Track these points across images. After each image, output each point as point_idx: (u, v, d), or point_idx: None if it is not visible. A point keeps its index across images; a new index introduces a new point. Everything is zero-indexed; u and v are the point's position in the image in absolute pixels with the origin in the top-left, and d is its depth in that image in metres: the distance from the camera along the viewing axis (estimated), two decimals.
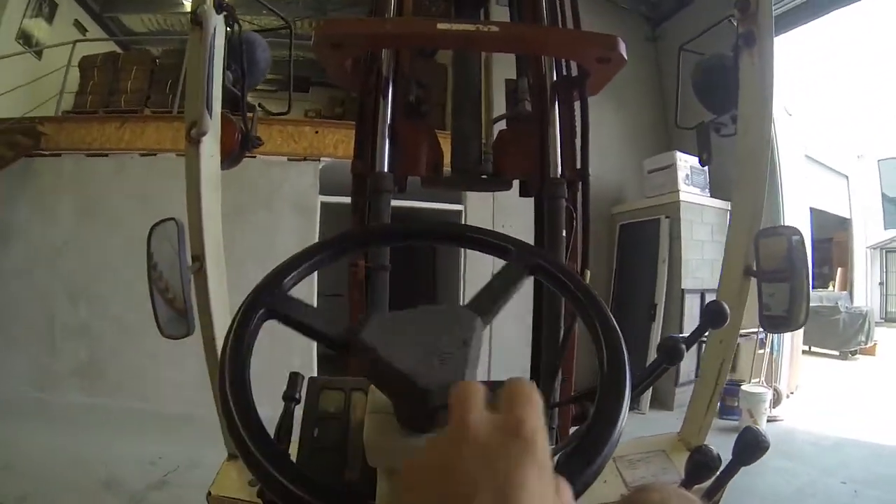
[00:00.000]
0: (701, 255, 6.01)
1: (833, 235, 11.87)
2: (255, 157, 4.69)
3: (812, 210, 7.75)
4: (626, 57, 1.27)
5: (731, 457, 0.96)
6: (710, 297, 5.08)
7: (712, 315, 1.05)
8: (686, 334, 1.01)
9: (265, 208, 5.49)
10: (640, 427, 4.38)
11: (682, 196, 5.94)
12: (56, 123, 5.82)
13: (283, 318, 0.67)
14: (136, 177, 5.48)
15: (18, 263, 5.45)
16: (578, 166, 1.32)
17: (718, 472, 0.97)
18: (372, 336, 0.60)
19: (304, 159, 5.69)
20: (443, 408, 0.44)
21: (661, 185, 6.08)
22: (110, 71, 6.71)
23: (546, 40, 1.30)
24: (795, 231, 1.38)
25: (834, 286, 11.62)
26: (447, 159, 1.37)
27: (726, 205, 5.55)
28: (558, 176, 1.28)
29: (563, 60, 1.40)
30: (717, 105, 1.32)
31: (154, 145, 5.57)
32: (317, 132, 5.74)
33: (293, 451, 0.85)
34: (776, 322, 1.37)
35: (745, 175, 1.25)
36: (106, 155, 5.58)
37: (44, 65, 7.06)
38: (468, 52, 1.40)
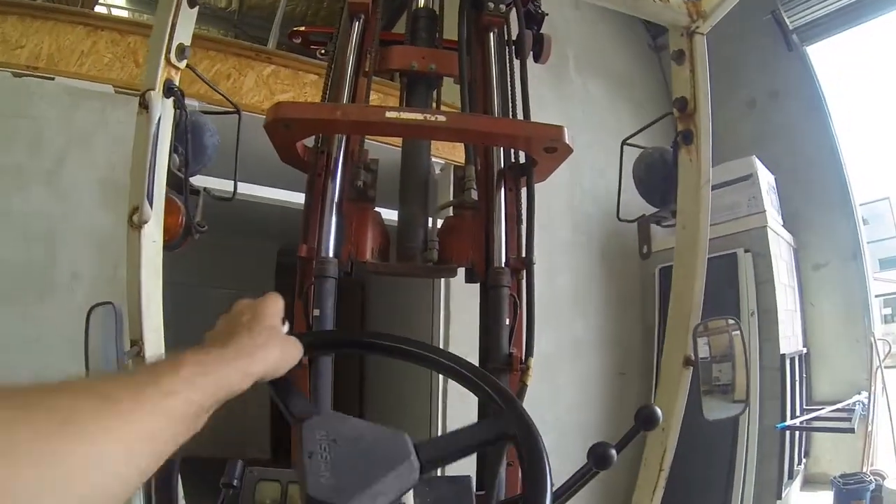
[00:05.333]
0: (785, 305, 4.22)
1: None
2: (52, 78, 2.95)
3: None
4: (572, 147, 1.30)
5: None
6: (810, 362, 4.21)
7: (644, 419, 1.06)
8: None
9: (46, 182, 2.85)
10: None
11: (770, 221, 4.16)
12: None
13: None
14: None
15: None
16: (524, 254, 1.34)
17: None
18: (309, 441, 0.62)
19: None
20: None
21: (733, 206, 4.25)
22: None
23: (493, 130, 1.33)
24: (732, 319, 1.42)
25: None
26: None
27: (790, 239, 4.60)
28: (502, 265, 1.30)
29: (511, 148, 1.43)
30: (658, 198, 1.37)
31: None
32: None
33: None
34: (719, 397, 1.42)
35: (683, 269, 1.29)
36: None
37: None
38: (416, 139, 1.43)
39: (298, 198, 3.17)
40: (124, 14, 7.21)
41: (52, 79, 3.00)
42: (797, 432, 4.19)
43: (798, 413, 4.14)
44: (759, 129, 4.85)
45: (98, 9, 6.46)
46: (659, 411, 1.02)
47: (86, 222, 2.86)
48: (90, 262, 2.80)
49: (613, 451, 0.98)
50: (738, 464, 3.86)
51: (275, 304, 0.70)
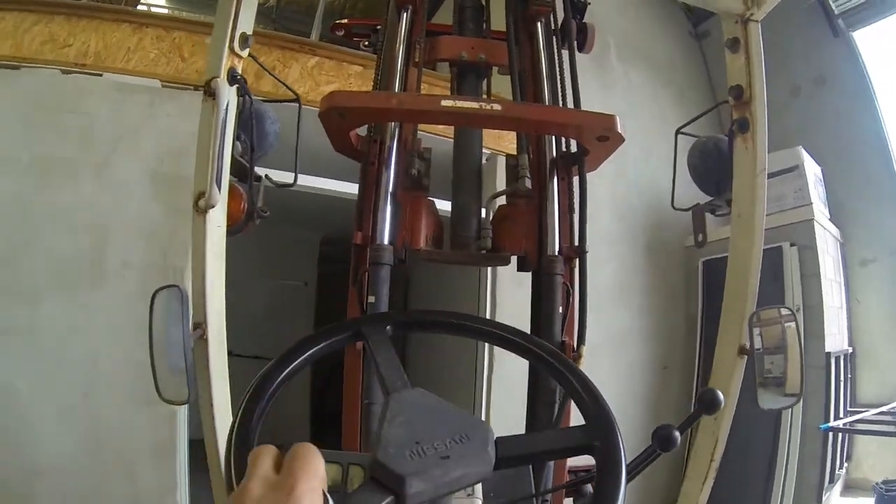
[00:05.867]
0: (831, 301, 4.05)
1: None
2: (100, 74, 3.03)
3: None
4: (624, 136, 1.30)
5: None
6: (855, 362, 4.05)
7: (707, 402, 1.07)
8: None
9: (96, 175, 2.91)
10: None
11: (817, 214, 4.03)
12: None
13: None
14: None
15: None
16: (576, 242, 1.35)
17: None
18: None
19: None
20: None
21: (778, 199, 4.05)
22: None
23: (547, 119, 1.34)
24: (786, 309, 1.41)
25: None
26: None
27: (837, 233, 4.43)
28: (556, 253, 1.31)
29: (563, 137, 1.43)
30: (713, 187, 1.36)
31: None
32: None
33: None
34: (772, 389, 1.40)
35: (738, 257, 1.28)
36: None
37: None
38: (470, 128, 1.44)
39: (343, 187, 3.19)
40: (164, 13, 7.37)
41: (101, 75, 3.08)
42: (840, 435, 3.98)
43: (842, 414, 3.95)
44: (804, 117, 4.63)
45: (139, 8, 6.62)
46: (721, 395, 1.02)
47: (135, 213, 2.94)
48: (140, 250, 2.90)
49: (677, 433, 0.99)
50: (779, 463, 3.75)
51: (311, 474, 0.46)
